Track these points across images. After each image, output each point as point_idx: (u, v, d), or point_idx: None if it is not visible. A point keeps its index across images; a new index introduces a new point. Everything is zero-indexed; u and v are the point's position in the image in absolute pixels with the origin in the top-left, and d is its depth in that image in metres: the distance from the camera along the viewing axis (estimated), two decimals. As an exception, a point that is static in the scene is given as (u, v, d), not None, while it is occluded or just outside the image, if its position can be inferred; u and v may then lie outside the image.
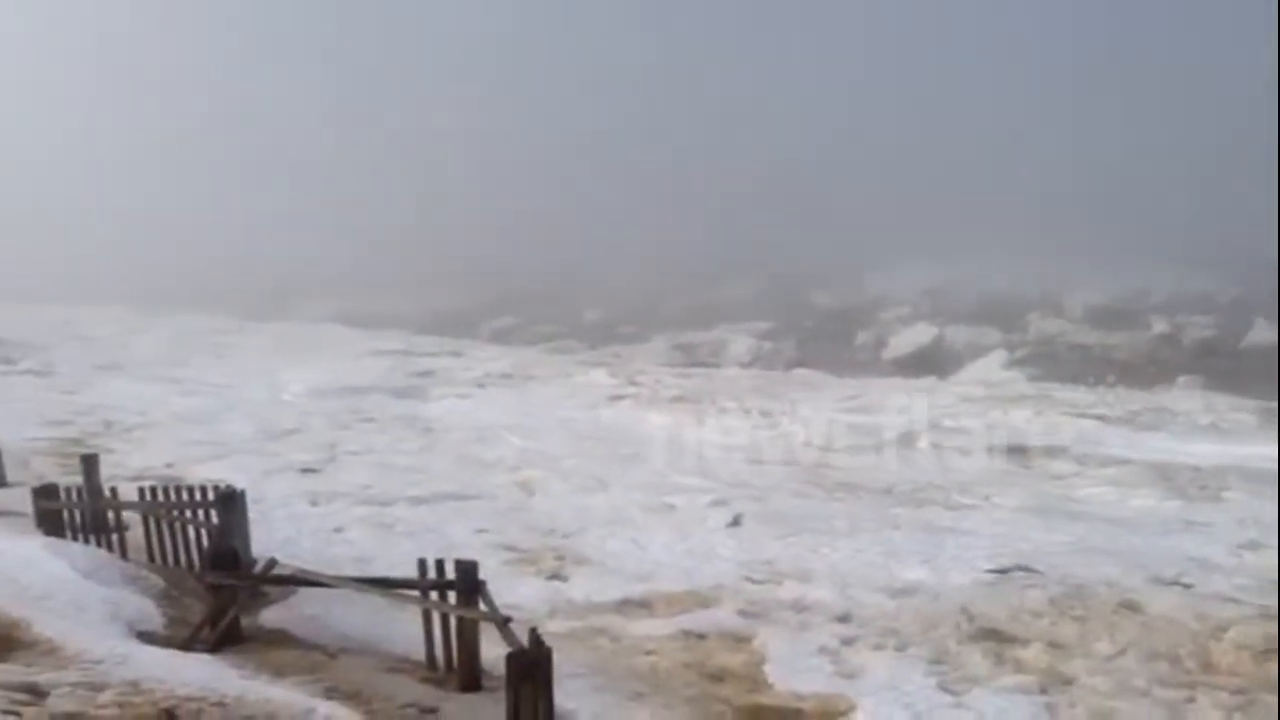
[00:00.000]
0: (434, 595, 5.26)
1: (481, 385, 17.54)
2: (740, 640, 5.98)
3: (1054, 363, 20.88)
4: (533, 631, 4.43)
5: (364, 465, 10.81)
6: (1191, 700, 5.11)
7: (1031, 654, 5.69)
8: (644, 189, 44.56)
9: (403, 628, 5.54)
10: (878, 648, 5.88)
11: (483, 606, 5.08)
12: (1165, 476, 10.11)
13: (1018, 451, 11.65)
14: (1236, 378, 17.02)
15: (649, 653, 5.75)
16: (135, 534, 7.11)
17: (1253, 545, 7.75)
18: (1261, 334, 22.19)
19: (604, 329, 29.51)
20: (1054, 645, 5.80)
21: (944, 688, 5.35)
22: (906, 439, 12.41)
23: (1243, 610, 6.18)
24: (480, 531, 8.20)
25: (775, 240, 36.84)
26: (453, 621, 5.17)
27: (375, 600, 5.61)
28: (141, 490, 7.44)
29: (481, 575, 5.17)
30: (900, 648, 5.86)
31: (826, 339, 25.56)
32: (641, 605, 6.59)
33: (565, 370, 19.87)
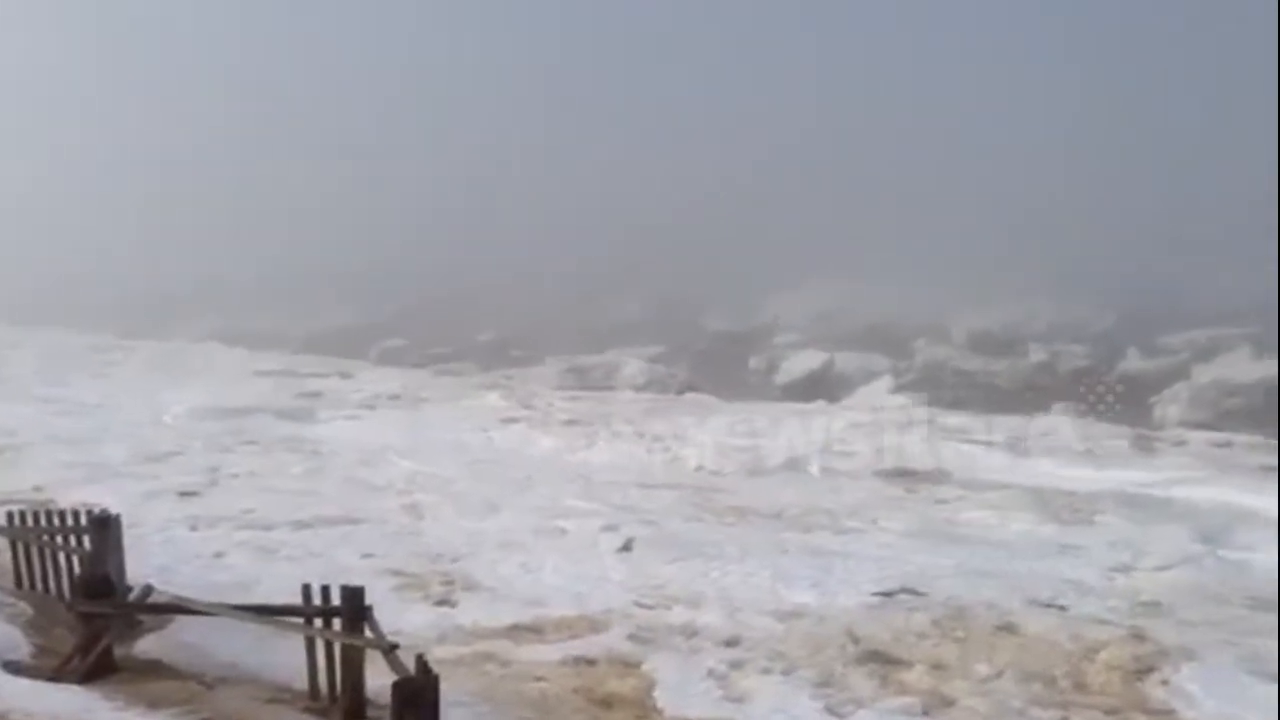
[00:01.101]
0: (318, 622, 5.15)
1: (371, 407, 17.28)
2: (630, 666, 5.98)
3: (940, 388, 21.39)
4: (419, 658, 4.37)
5: (246, 489, 10.55)
6: (1066, 720, 5.27)
7: (915, 675, 5.80)
8: (535, 209, 44.35)
9: (285, 656, 5.41)
10: (766, 671, 5.93)
11: (369, 633, 4.99)
12: (1043, 501, 10.40)
13: (904, 476, 11.89)
14: (1109, 405, 17.64)
15: (538, 679, 5.71)
16: (2, 559, 6.82)
17: (1124, 568, 8.02)
18: (1133, 363, 23.06)
19: (496, 351, 29.33)
20: (936, 667, 5.92)
21: (830, 710, 5.43)
22: (796, 463, 12.58)
23: (1114, 631, 6.40)
24: (367, 556, 8.06)
25: (667, 263, 37.05)
26: (337, 649, 5.07)
27: (257, 628, 5.47)
28: (10, 514, 7.13)
29: (368, 601, 5.08)
30: (788, 671, 5.92)
31: (719, 363, 25.80)
32: (532, 630, 6.55)
33: (457, 392, 19.69)
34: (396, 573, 7.63)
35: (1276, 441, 12.33)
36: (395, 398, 18.42)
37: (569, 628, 6.60)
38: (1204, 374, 20.28)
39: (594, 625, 6.63)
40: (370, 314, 34.18)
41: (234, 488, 10.58)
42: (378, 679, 4.83)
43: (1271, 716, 5.19)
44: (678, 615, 6.87)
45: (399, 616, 6.28)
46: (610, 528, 9.08)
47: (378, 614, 5.10)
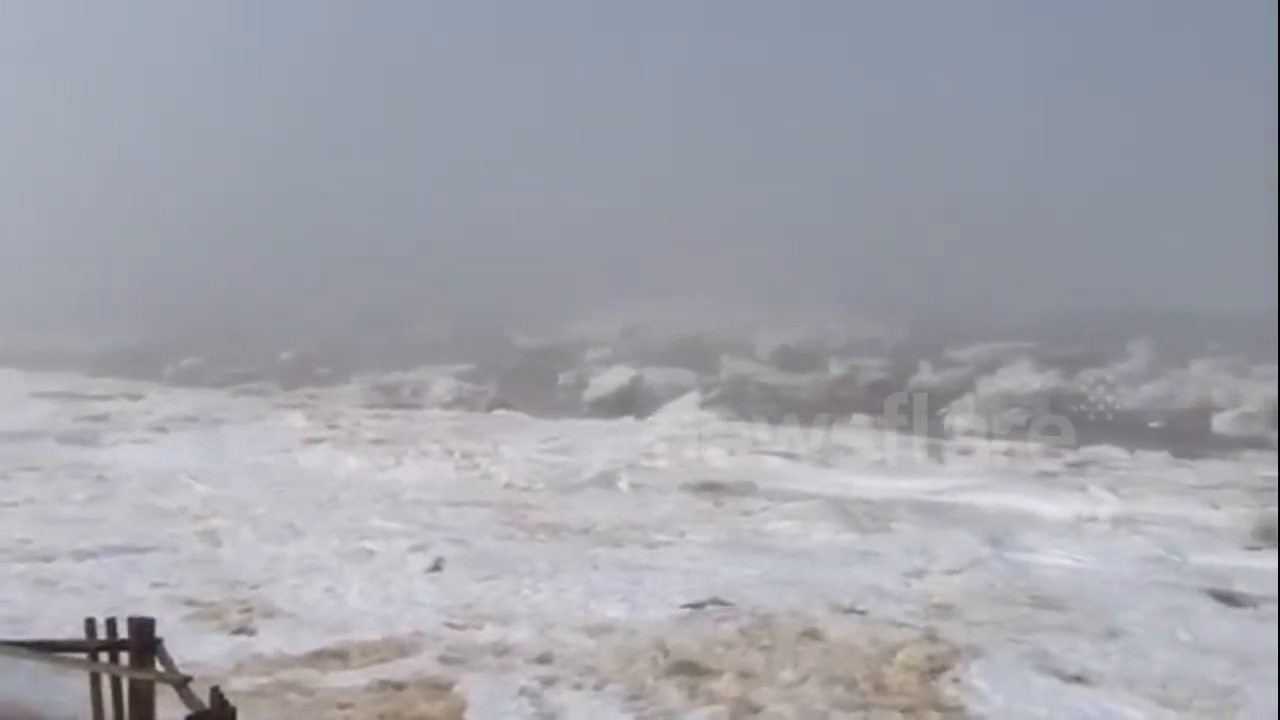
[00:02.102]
0: (104, 657, 4.84)
1: (163, 429, 16.47)
2: (440, 688, 5.86)
3: (745, 403, 21.85)
4: (214, 690, 4.16)
5: (24, 517, 9.90)
6: (866, 720, 5.45)
7: (723, 684, 5.90)
8: (341, 224, 43.25)
9: (68, 694, 5.07)
10: (578, 687, 5.92)
11: (159, 666, 4.72)
12: (843, 510, 10.73)
13: (712, 489, 12.09)
14: (905, 417, 18.38)
15: (343, 706, 5.54)
16: None
17: (918, 572, 8.36)
18: (925, 376, 24.15)
19: (300, 369, 28.42)
20: (744, 675, 6.04)
21: (641, 723, 5.46)
22: (606, 479, 12.64)
23: (910, 634, 6.67)
24: (158, 586, 7.67)
25: (477, 280, 36.78)
26: (125, 684, 4.77)
27: (35, 665, 5.10)
28: None
29: (159, 633, 4.80)
30: (599, 686, 5.93)
31: (528, 380, 25.71)
32: (336, 656, 6.35)
33: (258, 413, 18.99)
34: (190, 602, 7.28)
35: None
36: (190, 419, 17.64)
37: (376, 652, 6.43)
38: (988, 386, 21.42)
39: (402, 648, 6.48)
40: (164, 332, 32.61)
41: (9, 516, 9.91)
42: (170, 713, 4.57)
43: (1050, 710, 5.50)
44: (489, 634, 6.79)
45: (193, 647, 5.99)
46: (419, 548, 8.91)
47: (170, 645, 4.82)
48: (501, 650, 6.49)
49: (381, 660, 6.27)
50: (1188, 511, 10.47)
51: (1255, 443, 16.02)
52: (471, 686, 5.86)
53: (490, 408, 21.26)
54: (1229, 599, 7.50)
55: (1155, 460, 14.10)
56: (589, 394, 23.46)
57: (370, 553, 8.81)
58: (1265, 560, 8.59)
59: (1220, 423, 17.74)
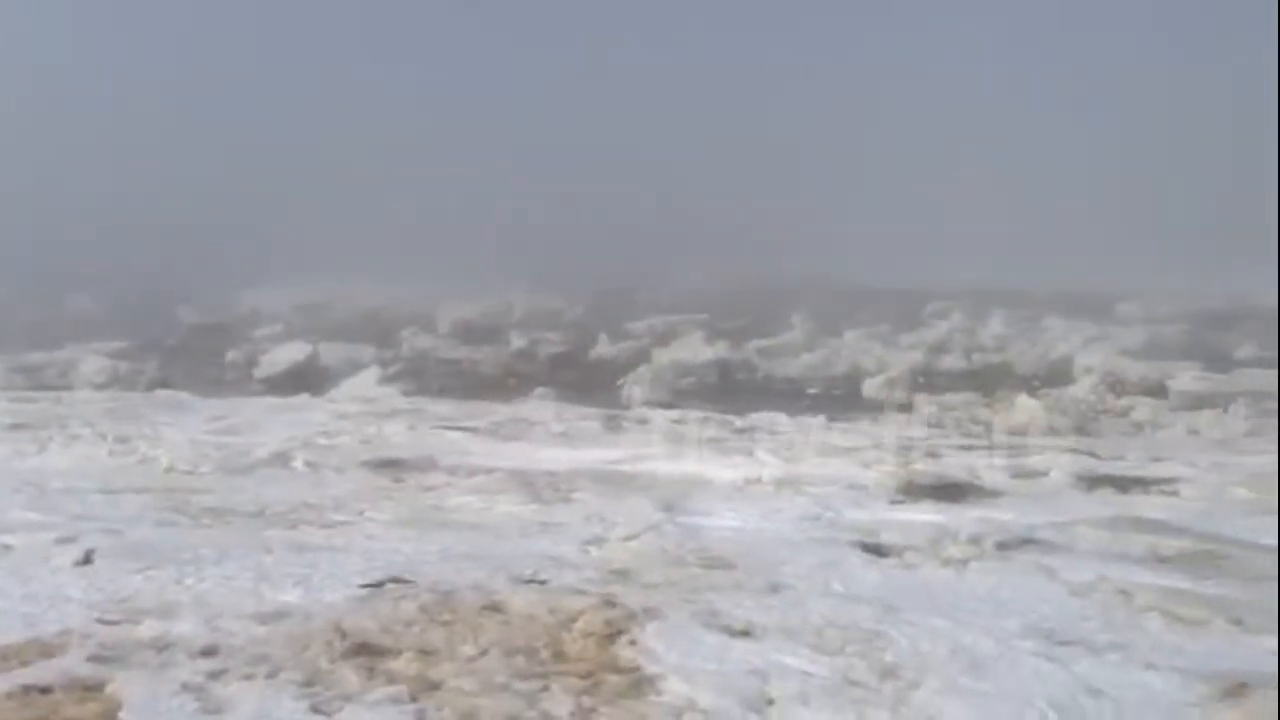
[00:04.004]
0: None
1: None
2: (91, 689, 5.41)
3: (426, 378, 21.63)
4: None
5: None
6: (546, 689, 5.51)
7: (402, 664, 5.79)
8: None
9: None
10: (248, 677, 5.64)
11: None
12: (525, 482, 10.81)
13: (392, 465, 11.86)
14: (584, 389, 18.80)
15: (-24, 718, 5.01)
16: None
17: (597, 540, 8.55)
18: (604, 349, 24.74)
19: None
20: (424, 652, 5.95)
21: (316, 709, 5.26)
22: (279, 459, 12.12)
23: (589, 600, 6.80)
24: None
25: (136, 254, 34.28)
26: None
27: None
28: None
29: None
30: (271, 674, 5.67)
31: (193, 357, 24.25)
32: (-32, 664, 5.73)
33: None
34: None
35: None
36: None
37: (17, 655, 5.85)
38: (663, 357, 22.21)
39: (47, 649, 5.93)
40: None
41: None
42: None
43: (719, 665, 5.78)
44: (147, 629, 6.33)
45: None
46: (67, 539, 8.18)
47: None
48: (162, 645, 6.07)
49: (23, 663, 5.72)
50: (841, 471, 11.29)
51: (898, 406, 17.48)
52: (127, 685, 5.45)
53: (150, 387, 19.85)
54: (876, 550, 8.12)
55: (813, 424, 15.09)
56: (260, 371, 22.40)
57: (8, 547, 8.00)
58: (907, 513, 9.41)
59: (869, 387, 19.21)
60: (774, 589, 7.13)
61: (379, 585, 7.27)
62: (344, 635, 6.21)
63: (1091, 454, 12.63)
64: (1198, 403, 16.29)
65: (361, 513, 9.66)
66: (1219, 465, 11.73)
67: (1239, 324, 26.64)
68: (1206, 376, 17.69)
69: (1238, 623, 6.40)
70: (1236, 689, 5.39)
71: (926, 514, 9.32)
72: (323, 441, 13.25)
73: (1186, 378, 17.60)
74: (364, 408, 16.29)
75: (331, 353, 23.52)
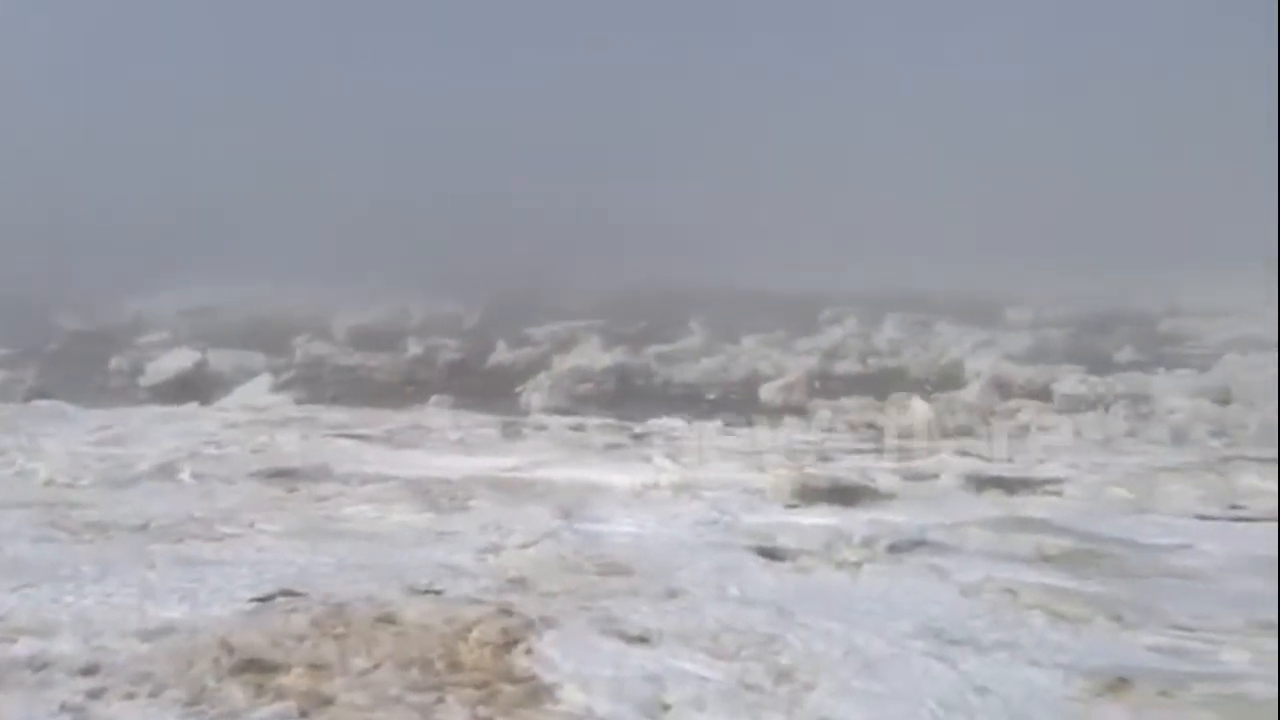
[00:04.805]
0: None
1: None
2: (-38, 713, 5.20)
3: (320, 385, 21.24)
4: None
5: None
6: (441, 701, 5.45)
7: (292, 679, 5.67)
8: None
9: None
10: (130, 696, 5.47)
11: None
12: (421, 491, 10.67)
13: (284, 475, 11.60)
14: (482, 396, 18.66)
15: None
16: None
17: (494, 548, 8.47)
18: (502, 355, 24.59)
19: None
20: (315, 667, 5.84)
21: (201, 728, 5.13)
22: (165, 470, 11.76)
23: (485, 610, 6.74)
24: None
25: (8, 260, 33.05)
26: None
27: None
28: None
29: None
30: (155, 692, 5.51)
31: (74, 366, 23.43)
32: None
33: None
34: None
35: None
36: None
37: (-118, 679, 5.58)
38: (562, 363, 22.15)
39: (-88, 675, 5.67)
40: None
41: None
42: None
43: (615, 671, 5.78)
44: (23, 648, 6.09)
45: None
46: (-64, 559, 7.84)
47: None
48: (40, 664, 5.86)
49: (-111, 688, 5.46)
50: (738, 476, 11.37)
51: (794, 410, 17.69)
52: (3, 706, 5.26)
53: (29, 398, 19.10)
54: (772, 554, 8.20)
55: (710, 430, 15.18)
56: (146, 379, 21.72)
57: (-126, 568, 7.64)
58: (802, 517, 9.52)
59: (766, 392, 19.41)
60: (671, 594, 7.15)
61: (269, 599, 7.10)
62: (231, 651, 6.05)
63: (980, 456, 12.95)
64: (1080, 405, 16.80)
65: (251, 524, 9.43)
66: (1100, 466, 12.11)
67: (1118, 328, 27.61)
68: (1089, 380, 18.25)
69: (1117, 619, 6.61)
70: (1117, 684, 5.57)
71: (821, 517, 9.44)
72: (211, 451, 12.91)
73: (1070, 381, 18.13)
74: (255, 416, 15.93)
75: (221, 360, 22.93)
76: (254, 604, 6.98)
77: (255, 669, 5.84)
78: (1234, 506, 9.96)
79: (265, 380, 21.00)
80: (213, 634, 6.32)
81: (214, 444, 13.45)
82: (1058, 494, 10.68)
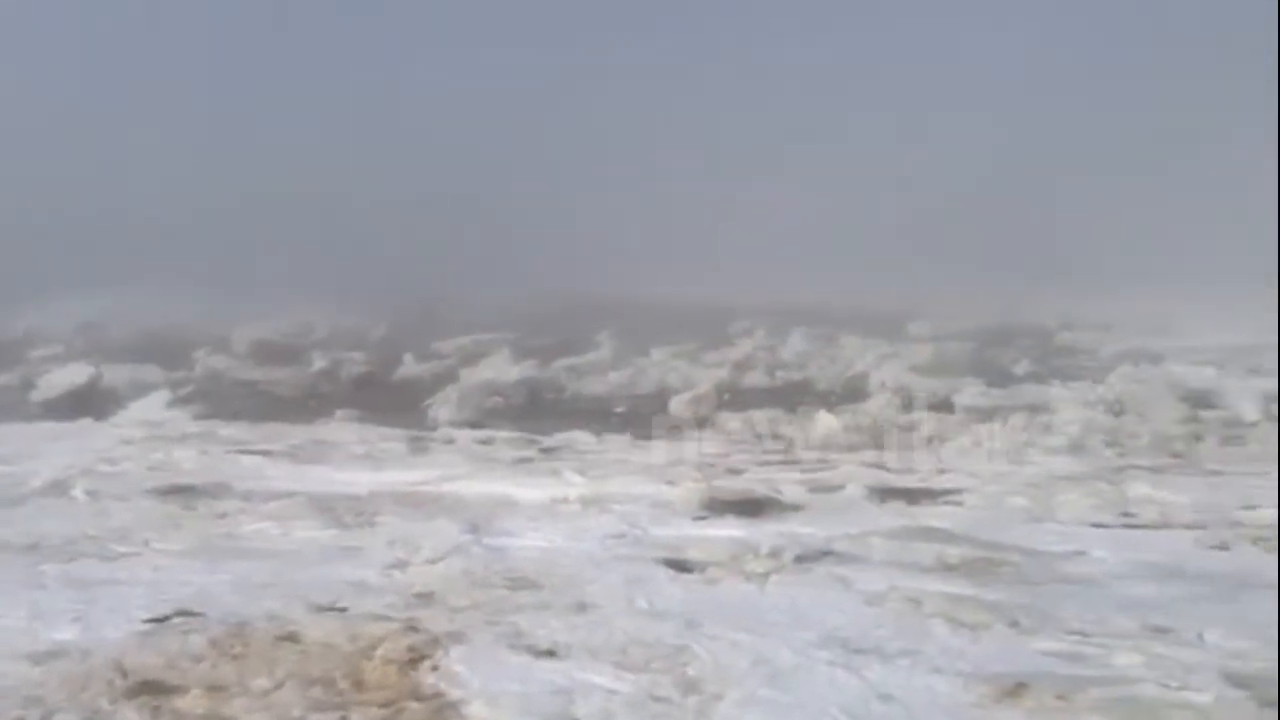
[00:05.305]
0: None
1: None
2: None
3: (220, 400, 20.74)
4: None
5: None
6: (345, 720, 5.36)
7: (189, 701, 5.54)
8: None
9: None
10: (16, 722, 5.29)
11: None
12: (325, 507, 10.50)
13: (182, 492, 11.32)
14: (388, 410, 18.40)
15: None
16: None
17: (400, 564, 8.38)
18: (410, 368, 24.30)
19: None
20: (213, 688, 5.70)
21: (94, 755, 4.98)
22: (57, 487, 11.41)
23: (390, 626, 6.66)
24: None
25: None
26: None
27: None
28: None
29: None
30: (46, 717, 5.36)
31: (-40, 382, 22.58)
32: None
33: None
34: None
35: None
36: None
37: None
38: (471, 376, 21.99)
39: None
40: None
41: None
42: None
43: (523, 686, 5.74)
44: (-96, 674, 5.85)
45: None
46: None
47: None
48: (-78, 691, 5.63)
49: None
50: (647, 489, 11.41)
51: (703, 423, 17.80)
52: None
53: (-90, 416, 18.36)
54: (680, 566, 8.24)
55: (619, 443, 15.19)
56: (38, 395, 21.02)
57: None
58: (710, 529, 9.59)
59: (675, 405, 19.48)
60: (580, 608, 7.14)
61: (165, 619, 6.92)
62: (126, 673, 5.89)
63: (884, 467, 13.17)
64: (981, 416, 17.18)
65: (147, 543, 9.18)
66: (999, 476, 12.40)
67: (1016, 341, 28.30)
68: (988, 392, 18.69)
69: (1015, 625, 6.77)
70: (1015, 689, 5.70)
71: (729, 529, 9.51)
72: (105, 468, 12.54)
73: (970, 393, 18.53)
74: (151, 432, 15.52)
75: (116, 374, 22.27)
76: (149, 625, 6.81)
77: (151, 691, 5.69)
78: (1125, 514, 10.28)
79: (162, 395, 20.49)
80: (106, 656, 6.15)
81: (108, 461, 13.06)
82: (959, 504, 10.91)
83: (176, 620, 6.87)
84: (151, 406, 19.07)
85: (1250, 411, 16.46)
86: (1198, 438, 15.29)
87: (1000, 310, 31.56)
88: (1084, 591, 7.60)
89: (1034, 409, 17.15)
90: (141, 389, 21.05)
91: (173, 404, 19.63)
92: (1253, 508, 10.19)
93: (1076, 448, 14.71)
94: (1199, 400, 17.45)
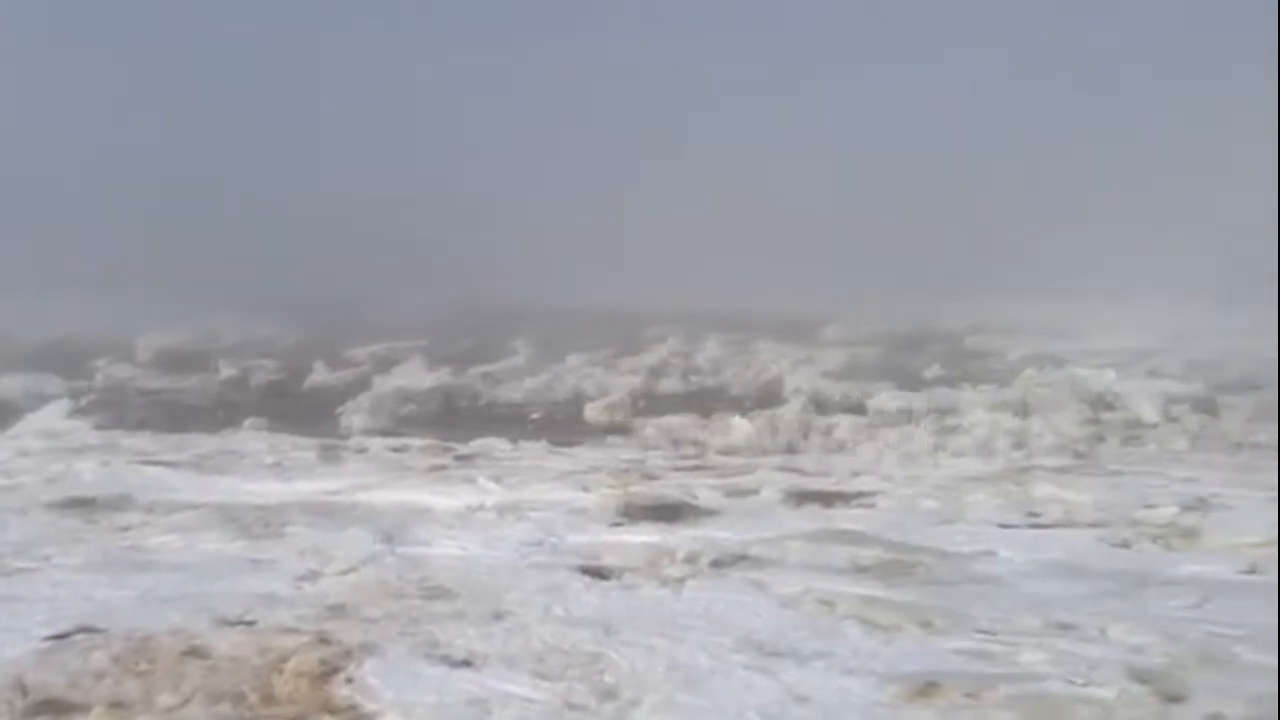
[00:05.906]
0: None
1: None
2: None
3: (123, 410, 20.24)
4: None
5: None
6: (254, 735, 5.24)
7: (92, 719, 5.37)
8: None
9: None
10: (-91, 747, 5.09)
11: None
12: (233, 518, 10.26)
13: (82, 505, 10.97)
14: (299, 419, 18.10)
15: None
16: None
17: (312, 575, 8.22)
18: (321, 376, 23.97)
19: None
20: (117, 705, 5.54)
21: (-10, 778, 4.80)
22: (-50, 502, 10.98)
23: (302, 639, 6.53)
24: None
25: None
26: None
27: None
28: None
29: None
30: (-62, 742, 5.14)
31: None
32: None
33: None
34: None
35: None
36: None
37: None
38: (384, 384, 21.75)
39: None
40: None
41: None
42: None
43: (438, 697, 5.68)
44: None
45: None
46: None
47: None
48: None
49: None
50: (563, 495, 11.36)
51: (619, 429, 17.83)
52: None
53: None
54: (597, 573, 8.21)
55: (535, 449, 15.13)
56: (-70, 406, 20.26)
57: None
58: (627, 535, 9.58)
59: (591, 411, 19.48)
60: (496, 616, 7.08)
61: (66, 636, 6.71)
62: (26, 692, 5.70)
63: (799, 471, 13.31)
64: (892, 420, 17.46)
65: (47, 558, 8.87)
66: (911, 478, 12.60)
67: (926, 346, 28.86)
68: (900, 395, 19.00)
69: (926, 625, 6.87)
70: (926, 688, 5.79)
71: (645, 535, 9.52)
72: (2, 481, 12.12)
73: (883, 397, 18.83)
74: (50, 443, 15.05)
75: (13, 384, 21.58)
76: (49, 642, 6.58)
77: (52, 710, 5.52)
78: (1031, 514, 10.52)
79: (62, 405, 19.89)
80: (6, 674, 5.94)
81: (5, 473, 12.63)
82: (871, 506, 11.06)
83: (78, 636, 6.65)
84: (50, 417, 18.49)
85: (1150, 413, 16.98)
86: (1099, 439, 15.74)
87: (912, 315, 32.14)
88: (992, 591, 7.75)
89: (944, 412, 17.48)
90: (39, 399, 20.43)
91: (73, 414, 19.07)
92: (1152, 506, 10.50)
93: (984, 449, 15.04)
94: (1100, 402, 17.98)
